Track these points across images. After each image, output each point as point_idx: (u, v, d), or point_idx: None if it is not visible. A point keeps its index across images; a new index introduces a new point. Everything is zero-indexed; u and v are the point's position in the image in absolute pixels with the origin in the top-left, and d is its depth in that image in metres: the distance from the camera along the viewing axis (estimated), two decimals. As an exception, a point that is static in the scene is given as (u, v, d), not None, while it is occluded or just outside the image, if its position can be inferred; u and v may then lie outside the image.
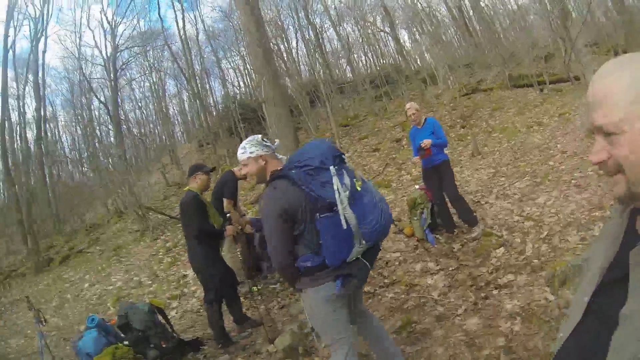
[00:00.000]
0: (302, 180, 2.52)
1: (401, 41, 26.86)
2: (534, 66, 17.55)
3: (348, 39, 29.15)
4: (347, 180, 2.60)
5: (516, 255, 5.01)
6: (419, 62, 31.24)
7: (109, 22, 25.80)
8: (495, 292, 4.34)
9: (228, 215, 5.36)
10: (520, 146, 10.29)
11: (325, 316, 2.77)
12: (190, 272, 8.58)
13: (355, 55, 31.35)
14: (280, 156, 2.98)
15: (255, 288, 6.17)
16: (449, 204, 6.24)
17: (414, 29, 29.18)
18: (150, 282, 9.64)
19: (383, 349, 3.14)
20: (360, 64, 32.69)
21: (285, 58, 23.74)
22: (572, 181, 6.91)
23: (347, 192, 2.53)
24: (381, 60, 31.26)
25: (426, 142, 5.82)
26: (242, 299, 6.11)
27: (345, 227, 2.48)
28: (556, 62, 17.74)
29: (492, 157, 10.39)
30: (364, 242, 2.56)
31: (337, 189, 2.51)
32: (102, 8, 30.54)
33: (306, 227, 2.56)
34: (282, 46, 25.38)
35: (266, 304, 5.75)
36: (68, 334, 8.07)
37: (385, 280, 5.40)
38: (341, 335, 2.78)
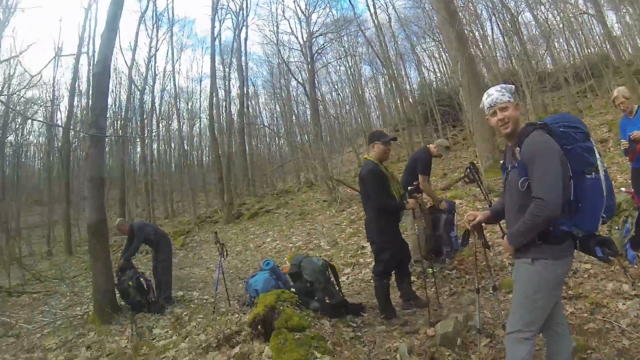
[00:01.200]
0: (570, 140, 2.46)
1: (608, 25, 21.97)
2: None
3: (547, 23, 25.25)
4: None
5: None
6: (630, 51, 26.48)
7: (302, 12, 27.64)
8: None
9: (412, 187, 5.05)
10: None
11: (542, 295, 2.50)
12: (369, 245, 8.59)
13: (556, 43, 27.07)
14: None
15: (430, 270, 5.85)
16: None
17: (623, 9, 24.44)
18: (329, 247, 9.88)
19: None
20: (562, 53, 28.38)
21: (481, 45, 22.24)
22: None
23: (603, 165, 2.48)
24: (585, 49, 26.76)
25: (636, 134, 4.85)
26: (414, 278, 5.94)
27: (604, 193, 2.43)
28: None
29: None
30: (604, 215, 2.47)
31: (598, 157, 2.47)
32: (295, -1, 32.25)
33: (564, 186, 2.41)
34: (476, 33, 23.80)
35: (437, 288, 5.39)
36: (243, 275, 8.81)
37: (570, 292, 4.64)
38: (535, 327, 2.56)
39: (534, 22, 26.09)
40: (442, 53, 27.11)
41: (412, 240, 6.15)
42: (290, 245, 11.32)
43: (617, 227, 5.31)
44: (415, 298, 5.17)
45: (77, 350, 5.55)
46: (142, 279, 7.35)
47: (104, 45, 7.91)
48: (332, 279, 5.32)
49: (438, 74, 31.26)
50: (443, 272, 6.18)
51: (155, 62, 29.67)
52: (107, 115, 31.70)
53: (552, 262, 2.45)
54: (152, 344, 5.21)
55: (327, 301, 4.85)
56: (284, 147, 37.24)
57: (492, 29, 25.47)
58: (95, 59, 8.35)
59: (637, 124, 5.00)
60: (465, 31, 14.68)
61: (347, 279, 7.25)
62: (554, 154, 2.38)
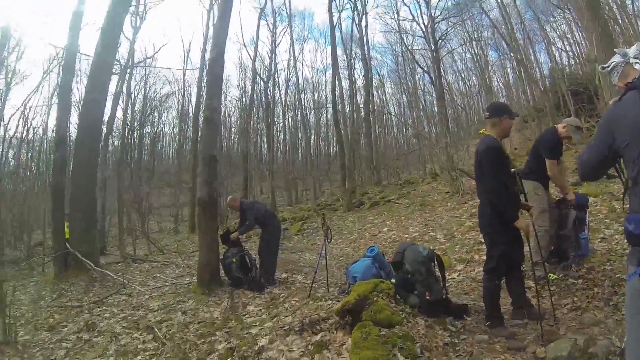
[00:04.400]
0: None
1: None
2: None
3: None
4: None
5: None
6: None
7: None
8: None
9: (524, 203, 4.33)
10: None
11: (627, 316, 1.88)
12: (486, 239, 8.02)
13: None
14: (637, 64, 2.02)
15: (553, 275, 5.11)
16: None
17: None
18: (444, 240, 9.42)
19: None
20: None
21: (619, 19, 19.29)
22: None
23: None
24: None
25: None
26: (532, 282, 5.09)
27: None
28: None
29: None
30: None
31: None
32: (413, -17, 30.85)
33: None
34: (613, 4, 20.77)
35: (556, 298, 4.61)
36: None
37: None
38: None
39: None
40: (575, 31, 24.27)
41: (532, 238, 5.42)
42: (406, 235, 10.96)
43: None
44: (529, 307, 4.36)
45: (174, 314, 6.07)
46: (246, 257, 7.56)
47: (216, 33, 8.85)
48: (437, 273, 4.76)
49: (570, 54, 28.07)
50: (566, 280, 5.20)
51: (275, 55, 31.20)
52: (234, 107, 35.25)
53: (632, 268, 1.78)
54: (241, 319, 5.35)
55: (426, 297, 4.33)
56: (411, 138, 36.47)
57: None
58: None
59: None
60: (601, 3, 12.76)
61: (457, 276, 6.69)
62: (600, 124, 1.97)
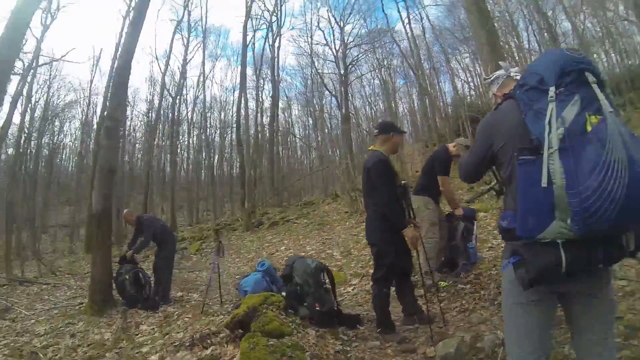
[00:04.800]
0: (525, 105, 1.71)
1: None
2: None
3: (583, 33, 23.11)
4: (572, 112, 1.58)
5: None
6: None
7: (337, 22, 27.28)
8: None
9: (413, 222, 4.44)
10: None
11: (504, 307, 2.02)
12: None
13: (595, 55, 23.98)
14: (517, 76, 2.19)
15: (443, 283, 5.42)
16: None
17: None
18: (341, 257, 9.62)
19: None
20: (601, 65, 24.45)
21: (516, 56, 21.23)
22: None
23: (562, 130, 1.55)
24: (626, 60, 23.97)
25: None
26: (423, 291, 5.36)
27: (545, 184, 1.54)
28: None
29: None
30: (569, 222, 1.52)
31: (549, 122, 1.59)
32: (330, 9, 31.89)
33: (513, 172, 1.76)
34: (512, 43, 22.69)
35: (445, 303, 4.87)
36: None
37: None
38: (517, 351, 1.91)
39: (571, 32, 24.17)
40: (477, 66, 26.30)
41: (420, 250, 5.69)
42: (303, 253, 10.97)
43: None
44: (420, 313, 4.54)
45: (62, 338, 5.68)
46: (140, 274, 7.25)
47: (128, 39, 8.44)
48: (327, 284, 4.85)
49: (472, 85, 30.20)
50: (456, 286, 5.49)
51: (186, 71, 30.91)
52: (141, 122, 34.00)
53: (505, 260, 1.89)
54: (133, 338, 5.15)
55: (316, 308, 4.40)
56: (315, 160, 37.01)
57: (528, 39, 24.53)
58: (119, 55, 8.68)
59: None
60: (501, 42, 14.07)
61: (352, 289, 6.85)
62: (479, 131, 2.06)
